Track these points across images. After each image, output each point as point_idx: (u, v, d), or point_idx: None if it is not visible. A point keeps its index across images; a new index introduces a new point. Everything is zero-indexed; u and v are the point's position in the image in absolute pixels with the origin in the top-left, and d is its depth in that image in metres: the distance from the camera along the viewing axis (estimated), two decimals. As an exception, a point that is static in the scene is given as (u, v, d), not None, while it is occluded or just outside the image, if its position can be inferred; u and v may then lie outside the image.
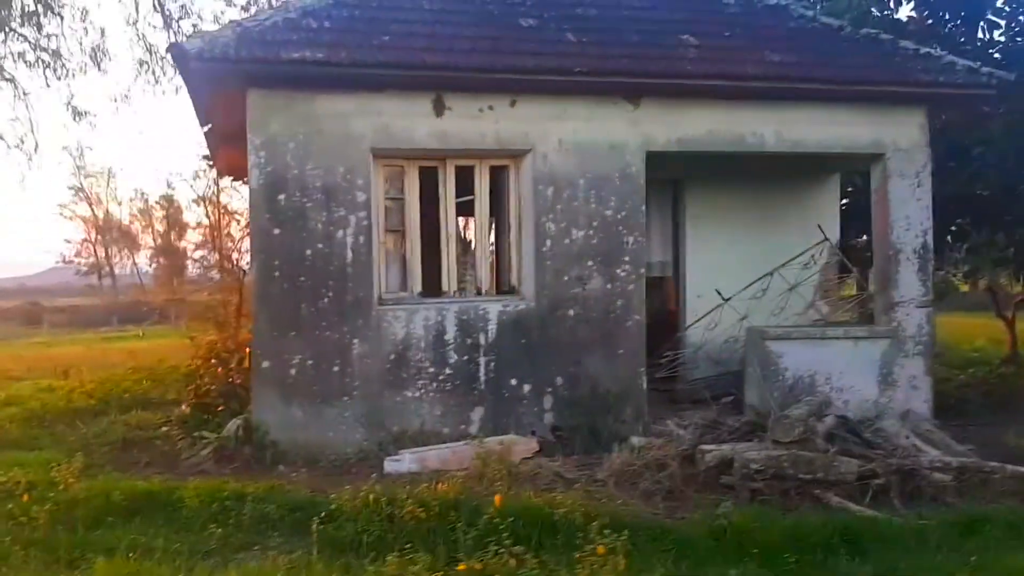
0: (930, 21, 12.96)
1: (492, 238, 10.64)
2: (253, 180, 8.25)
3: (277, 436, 8.23)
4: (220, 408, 9.32)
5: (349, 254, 8.43)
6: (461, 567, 4.55)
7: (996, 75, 9.33)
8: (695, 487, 6.66)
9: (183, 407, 10.15)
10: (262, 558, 5.05)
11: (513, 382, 8.86)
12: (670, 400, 10.46)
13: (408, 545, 5.14)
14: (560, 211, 8.91)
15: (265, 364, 8.32)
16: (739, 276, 10.41)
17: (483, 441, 8.04)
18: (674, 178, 11.23)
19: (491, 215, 9.73)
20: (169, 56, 7.43)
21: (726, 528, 5.36)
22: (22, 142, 17.39)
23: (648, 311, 11.39)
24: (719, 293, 9.96)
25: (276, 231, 8.28)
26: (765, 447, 6.62)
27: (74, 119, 15.79)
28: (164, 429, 9.69)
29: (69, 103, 14.57)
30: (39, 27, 16.11)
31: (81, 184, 58.67)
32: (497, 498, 5.36)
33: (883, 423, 7.25)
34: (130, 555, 5.22)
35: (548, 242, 8.91)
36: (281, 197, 8.28)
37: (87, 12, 30.18)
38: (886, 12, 13.34)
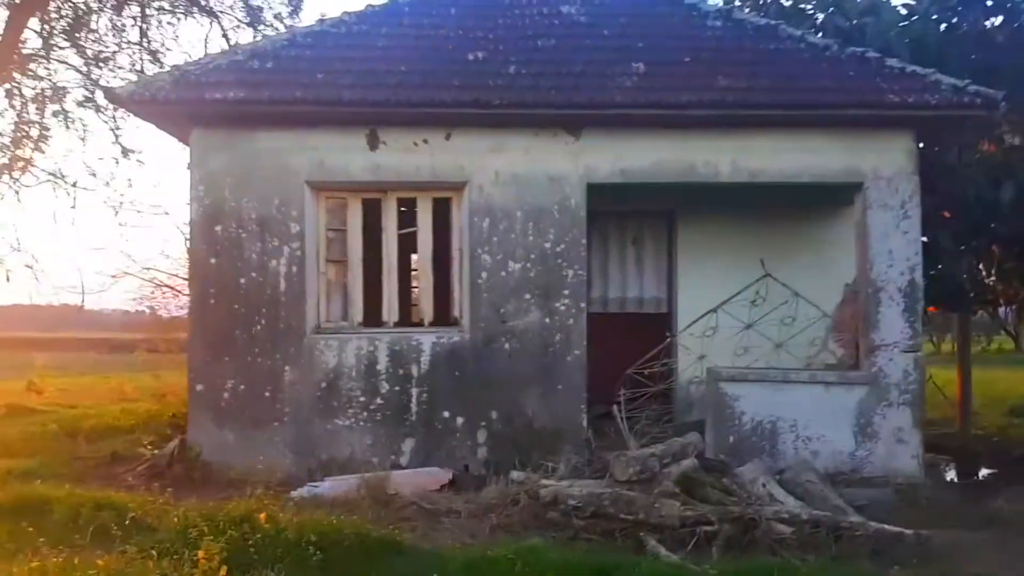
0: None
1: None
2: (192, 212, 8.71)
3: (209, 458, 8.56)
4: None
5: (282, 283, 8.71)
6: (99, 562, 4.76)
7: (981, 92, 8.43)
8: (537, 523, 6.37)
9: (167, 428, 10.76)
10: (51, 556, 5.28)
11: (446, 415, 8.79)
12: (652, 441, 9.98)
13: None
14: (496, 243, 8.83)
15: (199, 388, 8.70)
16: (737, 313, 9.91)
17: (402, 471, 8.08)
18: (668, 209, 10.79)
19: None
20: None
21: (481, 560, 5.13)
22: (113, 177, 19.14)
23: (638, 349, 11.06)
24: (668, 332, 9.50)
25: (212, 260, 8.69)
26: (601, 485, 6.22)
27: (124, 155, 17.28)
28: (149, 446, 10.32)
29: (117, 140, 16.06)
30: (142, 72, 17.72)
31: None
32: (263, 516, 5.46)
33: (738, 469, 6.60)
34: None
35: (484, 274, 8.84)
36: (218, 228, 8.69)
37: (188, 56, 32.74)
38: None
